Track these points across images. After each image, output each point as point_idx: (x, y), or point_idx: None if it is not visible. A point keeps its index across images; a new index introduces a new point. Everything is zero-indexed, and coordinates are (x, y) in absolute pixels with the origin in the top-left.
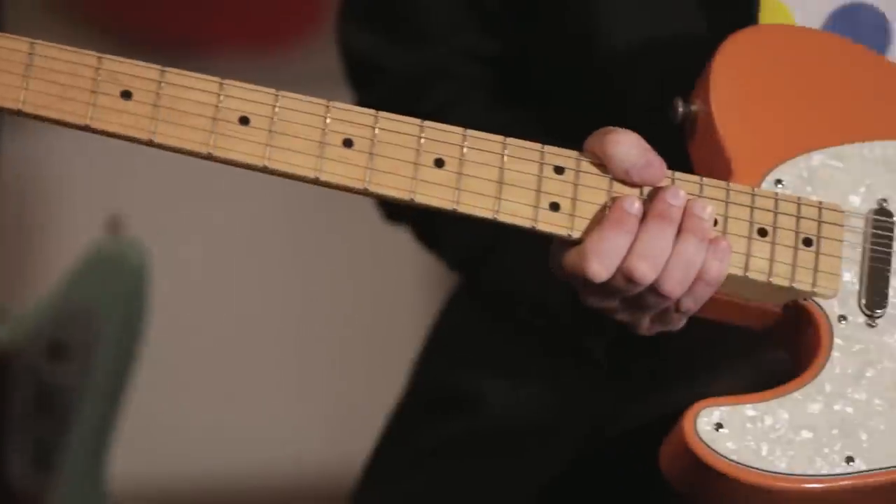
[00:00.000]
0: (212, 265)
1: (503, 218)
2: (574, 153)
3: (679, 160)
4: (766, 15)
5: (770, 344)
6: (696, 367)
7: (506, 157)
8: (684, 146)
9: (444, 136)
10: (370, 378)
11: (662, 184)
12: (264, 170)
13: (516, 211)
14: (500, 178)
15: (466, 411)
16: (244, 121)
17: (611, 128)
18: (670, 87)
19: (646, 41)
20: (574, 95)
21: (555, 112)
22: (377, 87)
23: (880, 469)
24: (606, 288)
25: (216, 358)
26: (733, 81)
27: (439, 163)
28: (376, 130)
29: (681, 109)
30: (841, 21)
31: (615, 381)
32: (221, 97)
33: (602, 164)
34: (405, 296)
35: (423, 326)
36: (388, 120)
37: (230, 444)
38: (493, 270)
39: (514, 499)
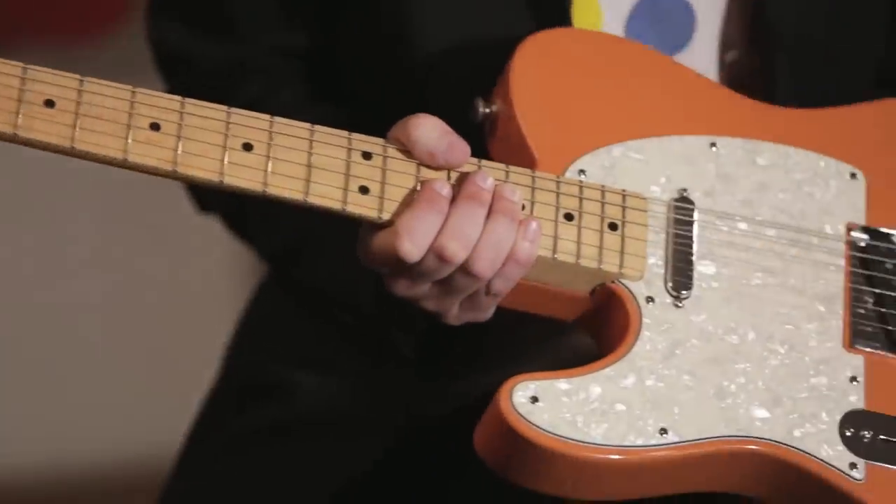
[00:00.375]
0: (20, 255)
1: (313, 200)
2: (381, 140)
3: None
4: (578, 7)
5: (573, 329)
6: (501, 354)
7: (314, 143)
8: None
9: (251, 122)
10: (182, 366)
11: (469, 169)
12: (72, 151)
13: (326, 193)
14: (309, 162)
15: (278, 400)
16: (49, 103)
17: (415, 114)
18: (479, 87)
19: (457, 42)
20: (385, 94)
21: (366, 110)
22: (188, 80)
23: (692, 441)
24: (417, 270)
25: (27, 348)
26: (533, 80)
27: (248, 147)
28: (184, 115)
29: (481, 109)
30: (646, 10)
31: (425, 371)
32: (26, 81)
33: (408, 151)
34: (217, 282)
35: (236, 312)
36: (196, 105)
37: (41, 435)
38: (303, 267)
39: (328, 486)
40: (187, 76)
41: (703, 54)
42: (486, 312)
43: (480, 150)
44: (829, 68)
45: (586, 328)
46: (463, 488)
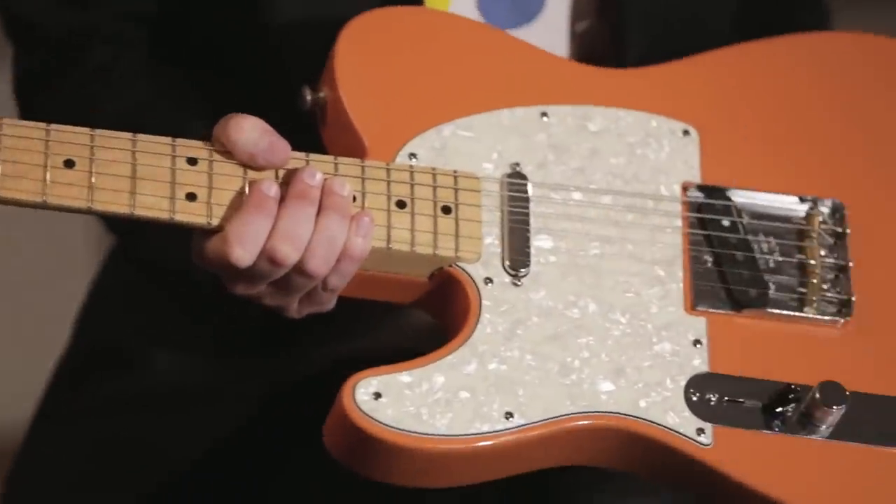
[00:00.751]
0: None
1: (140, 212)
2: (207, 144)
3: None
4: None
5: (421, 309)
6: (351, 323)
7: (137, 153)
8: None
9: (71, 138)
10: (29, 336)
11: (297, 165)
12: None
13: (153, 204)
14: (133, 173)
15: (129, 372)
16: None
17: (235, 114)
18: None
19: (306, 19)
20: (235, 64)
21: (216, 79)
22: (36, 47)
23: (539, 422)
24: (251, 273)
25: None
26: (358, 64)
27: (69, 163)
28: (1, 137)
29: (308, 97)
30: None
31: (274, 344)
32: None
33: None
34: (66, 249)
35: (86, 280)
36: (12, 126)
37: None
38: (145, 241)
39: (179, 459)
40: (35, 42)
41: (554, 25)
42: (327, 305)
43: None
44: (678, 36)
45: (430, 312)
46: (311, 456)
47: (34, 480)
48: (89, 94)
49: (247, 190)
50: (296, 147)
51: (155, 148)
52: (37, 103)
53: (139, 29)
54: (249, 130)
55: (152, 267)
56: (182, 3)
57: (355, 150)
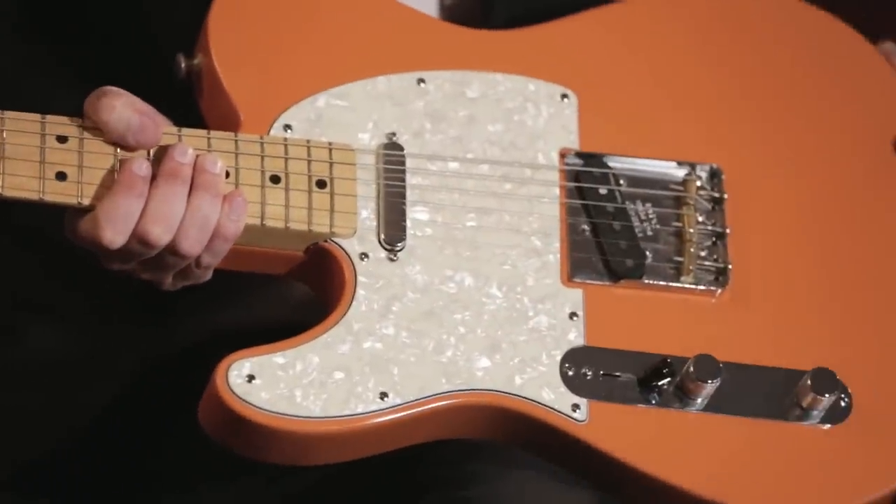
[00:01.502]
0: None
1: (9, 193)
2: (77, 121)
3: None
4: None
5: (300, 282)
6: (227, 295)
7: (5, 131)
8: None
9: None
10: None
11: (170, 141)
12: None
13: (21, 184)
14: (2, 153)
15: (2, 344)
16: None
17: (105, 89)
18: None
19: None
20: (107, 30)
21: (89, 47)
22: None
23: (414, 401)
24: (124, 253)
25: None
26: (233, 31)
27: None
28: None
29: (183, 65)
30: None
31: (152, 313)
32: None
33: None
34: None
35: None
36: None
37: None
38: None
39: (56, 433)
40: None
41: None
42: (202, 279)
43: None
44: (545, 4)
45: (308, 285)
46: (190, 423)
47: None
48: None
49: (118, 168)
50: (170, 116)
51: (24, 126)
52: None
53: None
54: (121, 109)
55: (24, 232)
56: None
57: (230, 119)
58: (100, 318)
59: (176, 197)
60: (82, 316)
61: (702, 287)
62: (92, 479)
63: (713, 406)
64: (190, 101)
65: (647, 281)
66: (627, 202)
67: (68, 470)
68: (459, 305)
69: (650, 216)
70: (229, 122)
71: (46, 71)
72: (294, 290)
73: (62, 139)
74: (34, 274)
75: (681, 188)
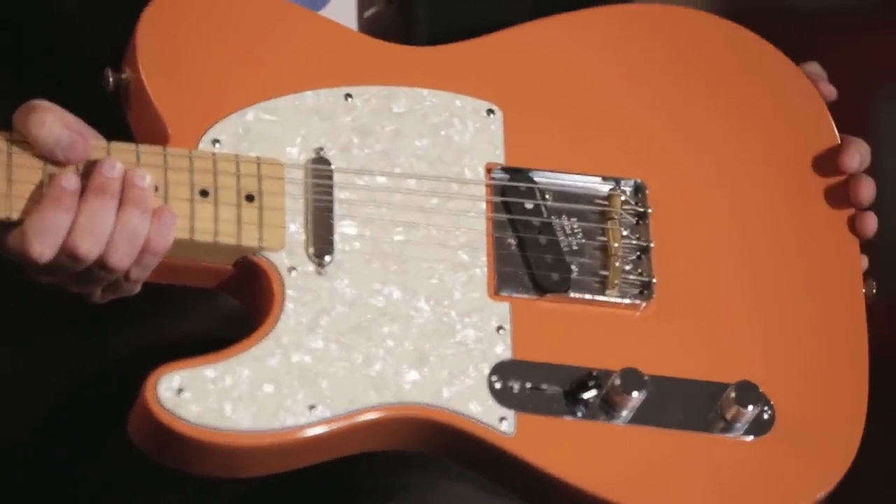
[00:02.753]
0: None
1: None
2: (5, 134)
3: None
4: None
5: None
6: (157, 308)
7: None
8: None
9: None
10: None
11: (98, 154)
12: None
13: None
14: None
15: None
16: None
17: (34, 103)
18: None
19: (108, 7)
20: (36, 45)
21: (17, 61)
22: None
23: (343, 414)
24: (52, 267)
25: None
26: (161, 45)
27: None
28: None
29: (112, 79)
30: None
31: (81, 329)
32: None
33: None
34: None
35: None
36: None
37: None
38: None
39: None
40: None
41: (342, 12)
42: (131, 292)
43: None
44: (471, 19)
45: (237, 298)
46: (120, 444)
47: None
48: None
49: (47, 183)
50: (104, 134)
51: None
52: None
53: None
54: (50, 125)
55: None
56: None
57: (159, 133)
58: (29, 331)
59: (105, 211)
60: (11, 330)
61: (627, 301)
62: (25, 493)
63: (639, 418)
64: (118, 114)
65: (572, 295)
66: (553, 217)
67: (17, 474)
68: (388, 319)
69: (576, 230)
70: (158, 136)
71: None
72: (224, 304)
73: None
74: None
75: (605, 203)
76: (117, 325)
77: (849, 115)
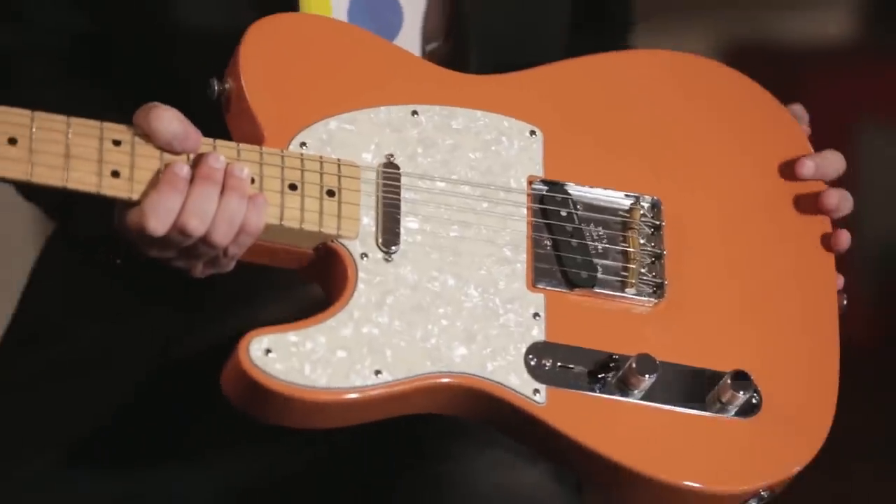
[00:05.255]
0: None
1: (72, 185)
2: (130, 128)
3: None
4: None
5: (306, 280)
6: (248, 297)
7: (70, 134)
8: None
9: (14, 118)
10: None
11: (206, 150)
12: None
13: (82, 179)
14: (67, 151)
15: (55, 344)
16: None
17: (155, 104)
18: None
19: (209, 30)
20: (151, 74)
21: (135, 86)
22: None
23: (403, 378)
24: (164, 241)
25: None
26: (260, 60)
27: (12, 141)
28: None
29: (216, 87)
30: (362, 2)
31: (179, 312)
32: None
33: None
34: (13, 236)
35: (30, 264)
36: None
37: None
38: (75, 220)
39: (103, 414)
40: None
41: (408, 45)
42: (227, 268)
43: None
44: (515, 55)
45: (315, 281)
46: (212, 421)
47: None
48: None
49: (163, 170)
50: (206, 133)
51: (86, 130)
52: None
53: (70, 42)
54: (168, 121)
55: (82, 248)
56: (104, 20)
57: (254, 136)
58: (135, 317)
59: (210, 196)
60: (121, 315)
61: (643, 298)
62: (138, 443)
63: (649, 396)
64: (220, 119)
65: (597, 290)
66: (583, 224)
67: (116, 441)
68: (443, 301)
69: (601, 236)
70: (254, 138)
71: (103, 104)
72: (303, 295)
73: (117, 143)
74: (87, 283)
75: (627, 215)
76: (216, 308)
77: (833, 141)
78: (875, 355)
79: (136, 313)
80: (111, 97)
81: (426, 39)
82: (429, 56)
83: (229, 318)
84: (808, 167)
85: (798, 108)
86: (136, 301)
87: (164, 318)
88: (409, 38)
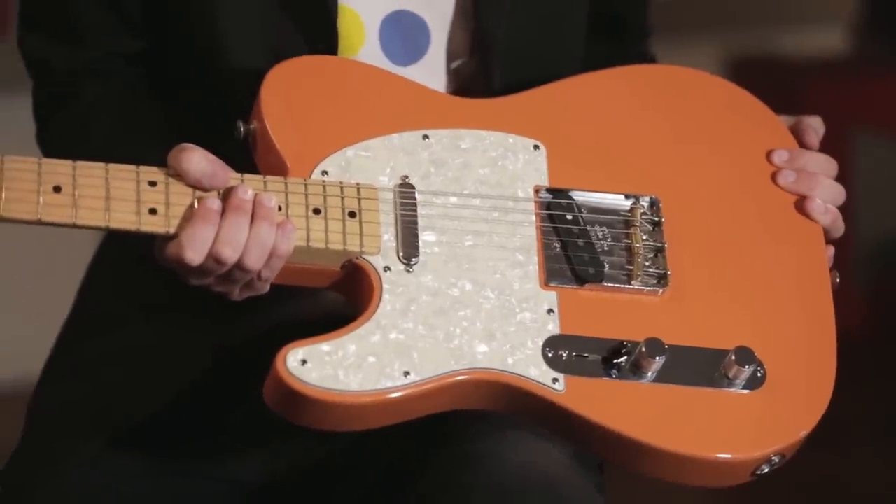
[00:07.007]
0: None
1: (114, 225)
2: (163, 169)
3: None
4: (344, 20)
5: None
6: (282, 303)
7: (109, 178)
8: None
9: (57, 168)
10: (41, 304)
11: (234, 184)
12: None
13: (123, 219)
14: (107, 194)
15: (114, 332)
16: None
17: (185, 145)
18: None
19: (256, 60)
20: (202, 100)
21: (189, 110)
22: (47, 83)
23: (431, 377)
24: (201, 270)
25: None
26: (280, 101)
27: (57, 189)
28: (3, 170)
29: (242, 129)
30: (391, 23)
31: (229, 310)
32: None
33: None
34: (72, 242)
35: (88, 258)
36: (11, 161)
37: None
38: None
39: (152, 402)
40: (47, 77)
41: (435, 63)
42: (262, 290)
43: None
44: (536, 69)
45: (344, 295)
46: (262, 407)
47: (44, 421)
48: (80, 125)
49: (196, 205)
50: (235, 166)
51: (123, 174)
52: (48, 128)
53: (127, 66)
54: (197, 161)
55: (134, 250)
56: (160, 44)
57: (279, 168)
58: (188, 315)
59: (241, 225)
60: (174, 314)
61: (648, 288)
62: (185, 434)
63: (660, 378)
64: (247, 156)
65: (606, 284)
66: (588, 225)
67: (164, 429)
68: (462, 305)
69: (606, 235)
70: (279, 170)
71: (138, 138)
72: (330, 298)
73: (153, 183)
74: (141, 280)
75: (628, 214)
76: (251, 314)
77: (831, 146)
78: (871, 345)
79: (187, 308)
80: (164, 119)
81: (451, 57)
82: (454, 73)
83: (262, 319)
84: (780, 154)
85: (816, 121)
86: (188, 295)
87: (213, 310)
88: (436, 56)
